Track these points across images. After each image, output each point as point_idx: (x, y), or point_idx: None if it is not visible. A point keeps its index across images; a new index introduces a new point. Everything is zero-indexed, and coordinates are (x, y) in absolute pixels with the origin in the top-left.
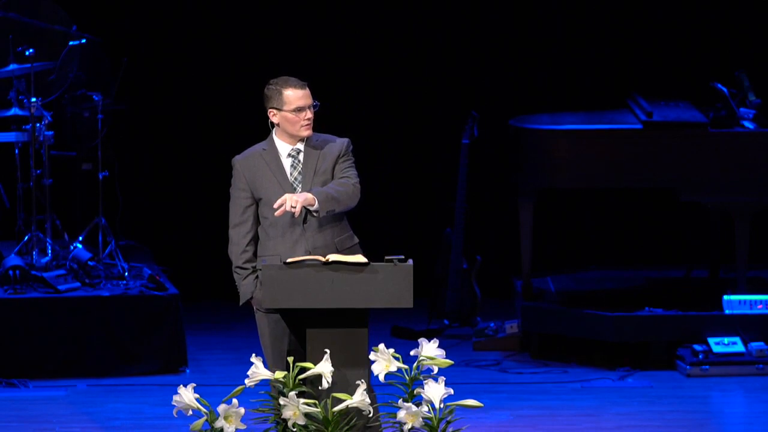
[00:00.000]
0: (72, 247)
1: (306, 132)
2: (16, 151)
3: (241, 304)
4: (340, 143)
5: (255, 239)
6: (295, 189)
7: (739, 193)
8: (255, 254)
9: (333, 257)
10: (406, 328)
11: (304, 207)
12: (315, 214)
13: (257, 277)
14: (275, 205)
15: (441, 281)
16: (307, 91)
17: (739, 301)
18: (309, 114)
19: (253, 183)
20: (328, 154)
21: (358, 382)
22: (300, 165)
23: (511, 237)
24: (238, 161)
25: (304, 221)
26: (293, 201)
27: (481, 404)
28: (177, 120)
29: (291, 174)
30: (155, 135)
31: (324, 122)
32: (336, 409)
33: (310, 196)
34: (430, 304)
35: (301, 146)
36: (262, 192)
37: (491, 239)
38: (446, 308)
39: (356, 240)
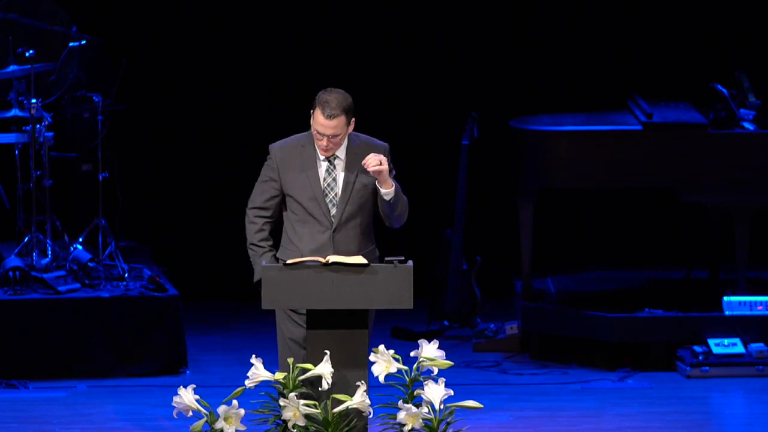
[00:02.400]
0: (72, 248)
1: (322, 154)
2: (16, 152)
3: (255, 281)
4: (382, 153)
5: (272, 225)
6: (326, 195)
7: (739, 194)
8: (271, 234)
9: (332, 258)
10: (406, 329)
11: (377, 183)
12: (386, 197)
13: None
14: (367, 162)
15: (441, 282)
16: (331, 122)
17: (739, 302)
18: (325, 142)
19: (284, 176)
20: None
21: (358, 383)
22: (335, 171)
23: (511, 237)
24: (275, 150)
25: (335, 230)
26: (380, 164)
27: (481, 405)
28: (177, 120)
29: (324, 180)
30: (155, 135)
31: None
32: (336, 410)
33: (391, 181)
34: (430, 304)
35: (340, 153)
36: (292, 190)
37: (491, 239)
38: (446, 309)
39: (377, 253)
